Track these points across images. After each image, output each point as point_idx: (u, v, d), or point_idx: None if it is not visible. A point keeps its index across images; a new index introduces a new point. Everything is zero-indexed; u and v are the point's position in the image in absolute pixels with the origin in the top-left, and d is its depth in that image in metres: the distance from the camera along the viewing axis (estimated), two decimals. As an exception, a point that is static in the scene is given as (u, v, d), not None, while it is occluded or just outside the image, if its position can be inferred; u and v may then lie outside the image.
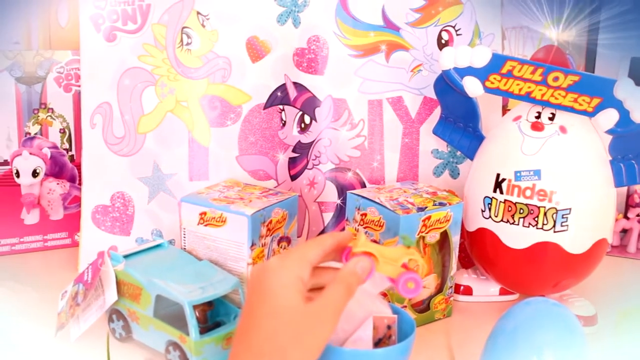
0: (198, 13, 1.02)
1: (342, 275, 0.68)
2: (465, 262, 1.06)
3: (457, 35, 1.08)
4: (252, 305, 0.67)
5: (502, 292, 1.01)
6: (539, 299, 0.79)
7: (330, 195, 1.07)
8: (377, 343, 0.76)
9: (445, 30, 1.07)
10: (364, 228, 0.92)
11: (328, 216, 1.07)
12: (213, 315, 0.85)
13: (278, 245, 0.92)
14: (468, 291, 1.01)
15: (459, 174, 1.10)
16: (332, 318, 0.66)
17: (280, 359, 0.64)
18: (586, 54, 1.27)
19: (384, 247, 0.72)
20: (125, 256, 0.88)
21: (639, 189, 1.18)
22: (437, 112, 1.05)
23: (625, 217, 1.19)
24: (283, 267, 0.67)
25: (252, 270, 0.70)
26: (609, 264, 1.15)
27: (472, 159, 1.00)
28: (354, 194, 0.94)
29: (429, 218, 0.90)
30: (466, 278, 1.02)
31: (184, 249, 0.92)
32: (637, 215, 1.18)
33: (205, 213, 0.89)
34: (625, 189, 1.20)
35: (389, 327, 0.77)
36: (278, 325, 0.64)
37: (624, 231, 1.21)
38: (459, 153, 1.08)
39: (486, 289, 1.02)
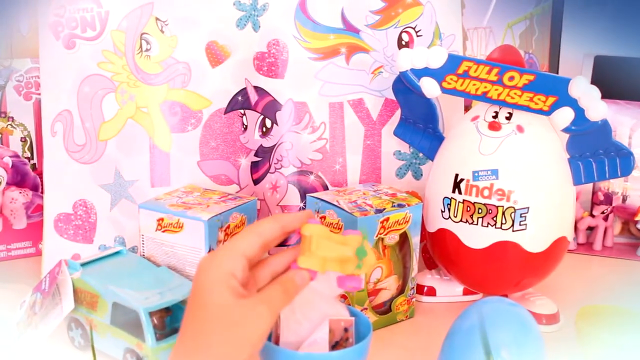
0: (157, 19, 1.02)
1: (282, 280, 0.68)
2: (430, 263, 1.06)
3: (418, 36, 1.08)
4: (187, 307, 0.66)
5: (466, 292, 1.01)
6: (495, 299, 0.79)
7: (293, 198, 1.07)
8: (334, 346, 0.76)
9: (406, 32, 1.07)
10: (324, 231, 0.92)
11: (291, 220, 1.07)
12: (172, 321, 0.84)
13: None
14: (432, 292, 1.02)
15: (422, 174, 1.10)
16: (267, 314, 0.65)
17: (207, 355, 0.63)
18: (549, 53, 1.27)
19: (331, 244, 0.70)
20: (83, 264, 0.88)
21: (604, 187, 1.19)
22: (399, 113, 1.05)
23: (591, 215, 1.20)
24: (212, 262, 0.66)
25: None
26: (575, 262, 1.16)
27: (432, 160, 1.00)
28: (314, 197, 0.94)
29: (387, 220, 0.90)
30: (429, 279, 1.02)
31: (143, 255, 0.92)
32: (602, 213, 1.19)
33: (162, 219, 0.89)
34: (590, 187, 1.20)
35: (346, 330, 0.77)
36: (204, 322, 0.64)
37: (590, 229, 1.21)
38: (421, 154, 1.08)
39: (450, 290, 1.02)
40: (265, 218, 0.71)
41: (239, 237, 0.68)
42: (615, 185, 1.19)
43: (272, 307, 0.66)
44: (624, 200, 1.19)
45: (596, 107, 0.86)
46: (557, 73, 1.31)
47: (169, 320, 0.84)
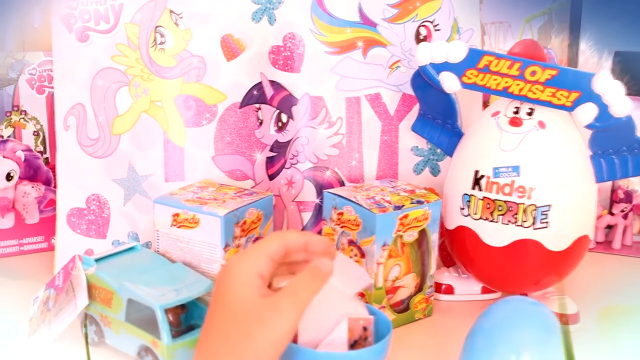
0: (171, 12, 1.00)
1: (306, 270, 0.67)
2: (448, 261, 1.05)
3: (436, 30, 1.06)
4: (211, 306, 0.66)
5: (485, 290, 1.00)
6: (517, 298, 0.77)
7: (309, 194, 1.05)
8: (353, 345, 0.74)
9: (423, 26, 1.06)
10: (341, 227, 0.91)
11: (307, 216, 1.05)
12: (187, 319, 0.83)
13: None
14: (450, 290, 1.00)
15: (439, 171, 1.08)
16: (292, 309, 0.64)
17: (240, 353, 0.62)
18: (568, 49, 1.26)
19: None
20: (97, 259, 0.87)
21: (623, 184, 1.17)
22: (417, 108, 1.04)
23: (610, 213, 1.18)
24: (240, 263, 0.65)
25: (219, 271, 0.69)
26: (593, 260, 1.14)
27: (451, 156, 0.99)
28: (331, 192, 0.92)
29: (406, 216, 0.88)
30: (447, 277, 1.01)
31: (158, 251, 0.91)
32: (622, 211, 1.17)
33: (178, 214, 0.88)
34: (609, 184, 1.19)
35: (365, 329, 0.75)
36: (230, 323, 0.63)
37: (609, 227, 1.20)
38: (439, 150, 1.06)
39: (468, 288, 1.00)
40: (293, 230, 0.71)
41: (268, 241, 0.68)
42: (636, 183, 1.17)
43: (296, 301, 0.64)
44: (644, 198, 1.17)
45: (621, 103, 0.85)
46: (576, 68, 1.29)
47: (184, 318, 0.82)
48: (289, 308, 0.64)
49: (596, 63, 1.25)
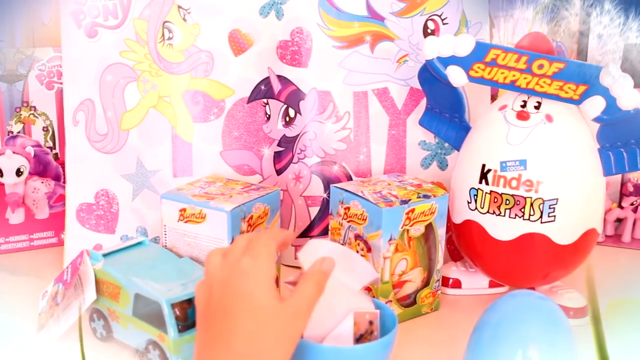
0: (179, 7, 1.01)
1: (310, 273, 0.69)
2: (455, 255, 1.05)
3: (444, 24, 1.06)
4: (228, 307, 0.66)
5: (492, 284, 1.00)
6: (524, 292, 0.77)
7: (317, 189, 1.05)
8: (359, 339, 0.75)
9: (431, 20, 1.06)
10: (348, 222, 0.91)
11: (314, 210, 1.06)
12: (194, 313, 0.83)
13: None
14: (457, 284, 1.00)
15: (447, 165, 1.08)
16: (306, 314, 0.68)
17: (264, 356, 0.65)
18: (578, 42, 1.25)
19: None
20: (105, 254, 0.87)
21: (633, 178, 1.16)
22: (424, 103, 1.04)
23: (620, 206, 1.17)
24: (258, 268, 0.67)
25: (219, 270, 0.69)
26: (603, 254, 1.14)
27: (458, 150, 0.99)
28: (338, 187, 0.92)
29: (412, 211, 0.88)
30: (455, 271, 1.01)
31: (165, 246, 0.91)
32: (631, 205, 1.16)
33: (185, 209, 0.88)
34: (619, 177, 1.18)
35: (370, 323, 0.75)
36: (259, 326, 0.65)
37: (619, 220, 1.19)
38: (447, 144, 1.06)
39: (475, 282, 1.00)
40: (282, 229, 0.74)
41: (272, 242, 0.70)
42: (646, 176, 1.16)
43: (308, 306, 0.68)
44: (654, 191, 1.17)
45: (629, 95, 0.84)
46: (586, 62, 1.28)
47: (191, 312, 0.83)
48: (304, 315, 0.68)
49: (606, 56, 1.24)
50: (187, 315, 0.82)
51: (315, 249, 0.74)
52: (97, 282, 0.84)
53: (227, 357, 0.65)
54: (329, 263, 0.70)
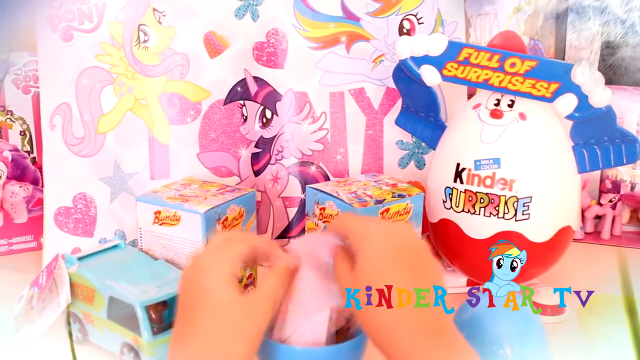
0: (154, 10, 1.01)
1: (275, 269, 0.71)
2: (433, 254, 1.05)
3: (419, 24, 1.06)
4: (189, 303, 0.67)
5: (470, 283, 1.00)
6: (495, 290, 0.78)
7: (294, 190, 1.06)
8: (336, 334, 0.74)
9: (407, 19, 1.06)
10: (324, 222, 0.91)
11: (293, 211, 1.06)
12: (170, 315, 0.83)
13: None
14: (435, 283, 1.00)
15: (424, 164, 1.08)
16: (266, 309, 0.68)
17: (224, 350, 0.65)
18: (556, 39, 1.25)
19: None
20: (80, 258, 0.87)
21: (611, 175, 1.17)
22: (401, 102, 1.04)
23: (599, 203, 1.18)
24: (217, 263, 0.68)
25: (187, 268, 0.70)
26: (582, 251, 1.14)
27: (434, 149, 0.99)
28: (313, 188, 0.93)
29: (387, 210, 0.88)
30: (433, 270, 1.01)
31: (141, 248, 0.91)
32: (610, 201, 1.17)
33: (159, 212, 0.88)
34: (597, 174, 1.18)
35: (347, 320, 0.75)
36: (218, 319, 0.66)
37: (598, 218, 1.19)
38: (424, 144, 1.06)
39: (453, 281, 1.00)
40: (264, 238, 0.74)
41: (240, 244, 0.71)
42: (624, 173, 1.16)
43: (271, 300, 0.69)
44: (632, 188, 1.17)
45: (600, 93, 0.84)
46: (564, 59, 1.29)
47: (166, 314, 0.83)
48: (266, 308, 0.68)
49: (583, 53, 1.24)
50: (162, 317, 0.82)
51: (309, 240, 0.76)
52: (71, 285, 0.84)
53: (189, 351, 0.66)
54: (296, 260, 0.71)
